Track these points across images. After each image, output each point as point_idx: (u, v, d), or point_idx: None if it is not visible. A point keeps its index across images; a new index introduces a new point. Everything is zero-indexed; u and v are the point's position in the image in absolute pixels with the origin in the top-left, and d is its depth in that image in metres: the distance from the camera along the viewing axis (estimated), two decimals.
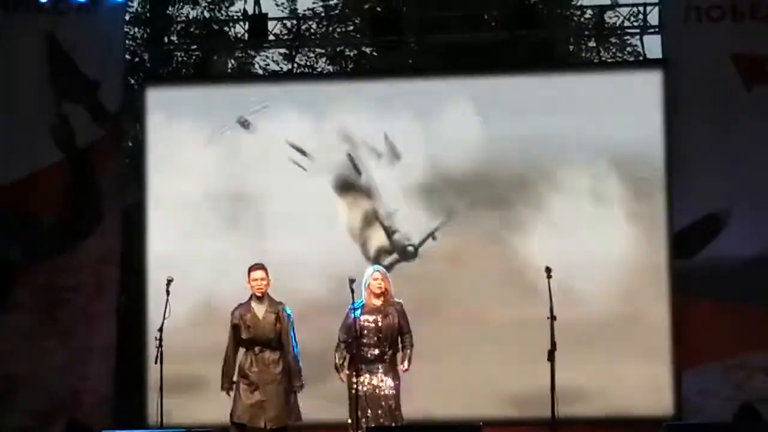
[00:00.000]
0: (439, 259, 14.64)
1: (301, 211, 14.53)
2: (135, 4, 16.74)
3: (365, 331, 10.82)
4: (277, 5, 20.67)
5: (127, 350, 14.73)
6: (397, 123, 14.90)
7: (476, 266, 14.61)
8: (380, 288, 10.94)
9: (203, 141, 14.96)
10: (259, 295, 11.02)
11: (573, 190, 14.65)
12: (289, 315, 11.09)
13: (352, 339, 10.82)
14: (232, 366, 11.01)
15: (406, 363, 10.98)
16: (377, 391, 10.88)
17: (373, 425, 10.30)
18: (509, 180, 14.70)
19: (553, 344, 9.90)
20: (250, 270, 11.18)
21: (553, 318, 9.98)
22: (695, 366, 14.06)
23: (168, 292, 10.89)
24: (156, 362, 10.58)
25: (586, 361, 13.61)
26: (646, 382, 14.13)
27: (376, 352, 10.88)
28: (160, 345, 10.58)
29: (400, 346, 11.09)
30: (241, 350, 11.07)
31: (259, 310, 11.00)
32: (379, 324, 10.85)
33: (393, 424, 10.64)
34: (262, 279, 11.05)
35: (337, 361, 10.96)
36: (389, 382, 10.93)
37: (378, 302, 10.97)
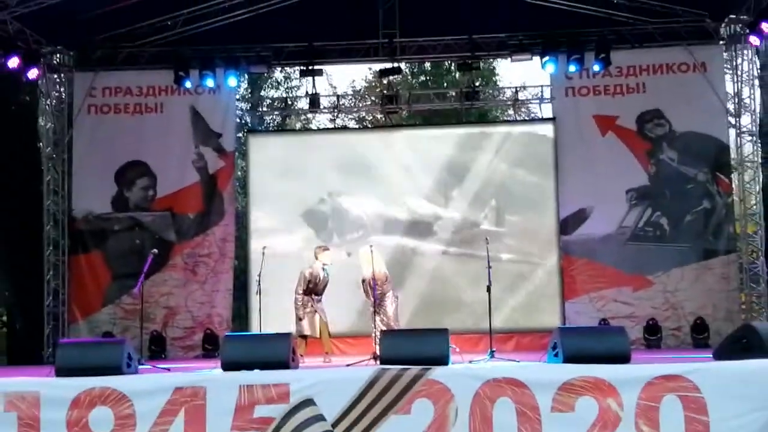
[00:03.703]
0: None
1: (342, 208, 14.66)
2: (242, 89, 16.69)
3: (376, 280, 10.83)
4: (325, 90, 20.75)
5: (239, 291, 14.87)
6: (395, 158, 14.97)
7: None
8: (381, 256, 11.19)
9: (287, 171, 14.92)
10: (324, 265, 11.20)
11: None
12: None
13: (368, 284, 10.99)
14: (301, 304, 11.12)
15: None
16: (383, 312, 10.98)
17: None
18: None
19: (490, 282, 9.67)
20: (323, 249, 11.41)
21: (489, 266, 9.74)
22: (574, 297, 14.28)
23: (263, 254, 10.89)
24: (257, 293, 10.80)
25: (510, 294, 13.86)
26: (545, 307, 14.34)
27: (379, 291, 10.85)
28: (259, 284, 10.71)
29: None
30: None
31: (321, 274, 11.15)
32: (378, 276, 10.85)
33: None
34: (329, 257, 11.28)
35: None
36: (390, 308, 11.07)
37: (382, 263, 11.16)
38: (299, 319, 11.15)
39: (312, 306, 11.17)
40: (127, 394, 7.33)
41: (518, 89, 16.58)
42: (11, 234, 14.67)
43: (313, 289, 11.18)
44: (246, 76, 17.04)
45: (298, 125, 16.72)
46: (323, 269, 11.25)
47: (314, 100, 15.64)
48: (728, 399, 6.98)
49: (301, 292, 11.15)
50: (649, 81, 14.53)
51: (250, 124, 17.18)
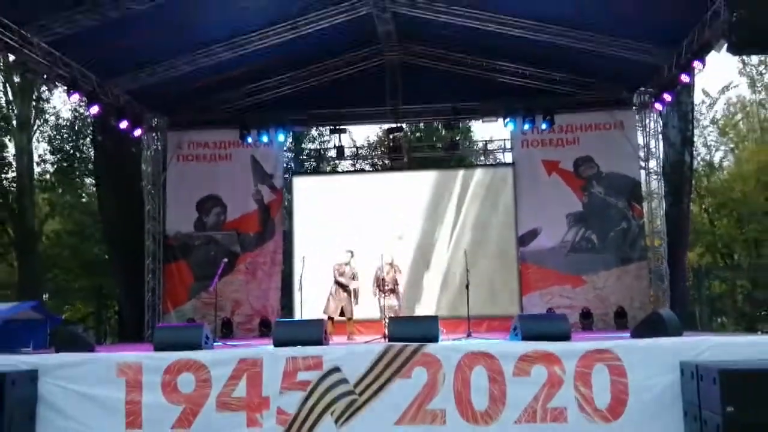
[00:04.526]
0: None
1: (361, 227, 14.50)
2: (288, 142, 16.69)
3: (384, 279, 11.05)
4: (348, 143, 20.73)
5: (285, 288, 14.70)
6: (399, 192, 14.97)
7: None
8: (388, 262, 11.27)
9: (321, 204, 14.96)
10: (347, 262, 11.22)
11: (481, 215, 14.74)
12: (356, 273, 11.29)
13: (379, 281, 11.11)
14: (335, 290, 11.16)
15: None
16: (391, 304, 11.11)
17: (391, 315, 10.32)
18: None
19: (468, 282, 9.91)
20: (347, 251, 11.44)
21: (468, 270, 10.01)
22: (529, 293, 14.19)
23: (303, 262, 10.99)
24: (299, 290, 10.79)
25: (483, 290, 13.54)
26: (508, 300, 14.18)
27: (388, 288, 11.09)
28: (300, 283, 10.77)
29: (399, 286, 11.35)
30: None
31: (346, 270, 11.19)
32: (387, 278, 11.10)
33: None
34: (351, 257, 11.31)
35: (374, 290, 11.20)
36: (395, 300, 11.21)
37: (389, 267, 11.29)
38: (328, 301, 11.18)
39: (341, 295, 11.17)
40: (205, 364, 7.35)
41: (487, 142, 16.48)
42: (122, 248, 14.71)
43: (339, 282, 11.19)
44: (291, 133, 17.11)
45: (328, 169, 16.68)
46: (345, 266, 11.28)
47: (340, 151, 15.73)
48: (642, 366, 6.97)
49: (334, 282, 11.24)
50: (582, 136, 14.50)
51: (294, 168, 17.12)
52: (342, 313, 11.15)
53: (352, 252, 11.39)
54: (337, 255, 11.49)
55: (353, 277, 11.25)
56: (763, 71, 22.86)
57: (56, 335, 9.01)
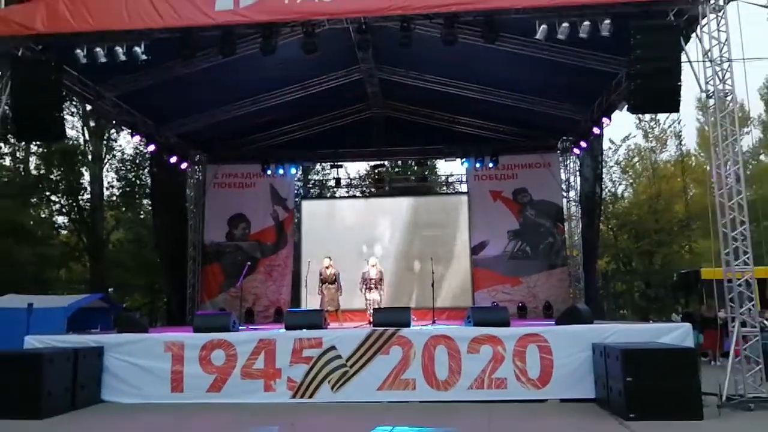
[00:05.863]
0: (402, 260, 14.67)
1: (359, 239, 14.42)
2: (298, 174, 16.40)
3: (370, 278, 10.88)
4: (344, 175, 20.62)
5: (295, 285, 14.45)
6: (382, 213, 14.91)
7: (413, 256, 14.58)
8: (374, 264, 11.05)
9: (323, 221, 14.84)
10: (328, 266, 10.92)
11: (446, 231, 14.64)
12: (338, 273, 10.98)
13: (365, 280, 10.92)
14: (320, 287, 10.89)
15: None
16: (374, 298, 10.92)
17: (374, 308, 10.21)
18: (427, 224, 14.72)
19: (434, 281, 9.94)
20: (326, 257, 11.07)
21: (433, 272, 10.00)
22: (479, 290, 14.03)
23: (308, 265, 10.84)
24: (305, 286, 10.67)
25: (444, 288, 13.56)
26: (462, 295, 13.99)
27: (373, 285, 10.88)
28: (306, 281, 10.68)
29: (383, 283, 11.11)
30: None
31: (328, 270, 10.90)
32: (374, 277, 10.90)
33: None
34: (331, 261, 10.98)
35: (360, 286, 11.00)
36: (377, 294, 10.97)
37: (374, 268, 11.03)
38: (320, 299, 10.96)
39: (325, 291, 10.91)
40: (233, 343, 7.35)
41: (448, 176, 16.51)
42: (170, 253, 14.44)
43: (324, 281, 10.95)
44: (301, 168, 16.96)
45: (329, 194, 16.66)
46: (327, 269, 10.99)
47: (338, 181, 15.71)
48: (563, 346, 7.04)
49: (318, 282, 10.99)
50: (520, 172, 14.44)
51: (302, 193, 17.06)
52: (331, 307, 10.88)
53: (330, 257, 11.18)
54: (323, 260, 11.24)
55: (335, 277, 10.95)
56: (654, 126, 23.42)
57: (119, 319, 8.96)
